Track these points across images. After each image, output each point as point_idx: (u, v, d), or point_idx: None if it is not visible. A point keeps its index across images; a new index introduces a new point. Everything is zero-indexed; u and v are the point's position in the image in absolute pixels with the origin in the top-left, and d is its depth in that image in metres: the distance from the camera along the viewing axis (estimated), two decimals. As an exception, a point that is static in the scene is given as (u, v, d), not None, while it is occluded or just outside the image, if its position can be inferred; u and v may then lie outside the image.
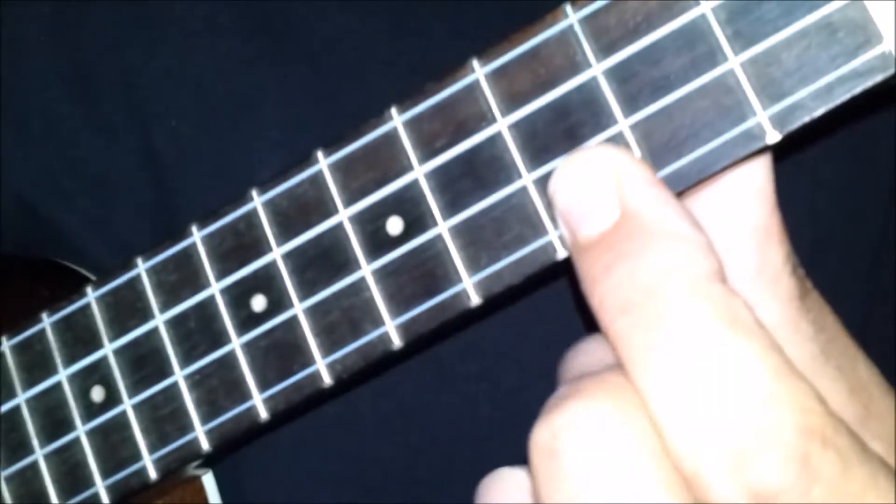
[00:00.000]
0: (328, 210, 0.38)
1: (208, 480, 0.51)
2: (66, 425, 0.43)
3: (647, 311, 0.29)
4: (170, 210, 0.54)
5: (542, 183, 0.36)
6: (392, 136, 0.38)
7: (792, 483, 0.27)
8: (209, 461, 0.51)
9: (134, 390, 0.42)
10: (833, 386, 0.36)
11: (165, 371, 0.41)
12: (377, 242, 0.38)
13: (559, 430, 0.28)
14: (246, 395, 0.40)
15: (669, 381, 0.28)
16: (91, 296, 0.42)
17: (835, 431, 0.28)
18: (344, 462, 0.52)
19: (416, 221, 0.37)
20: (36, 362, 0.43)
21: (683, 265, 0.29)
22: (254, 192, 0.40)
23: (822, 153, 0.50)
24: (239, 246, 0.40)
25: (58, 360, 0.43)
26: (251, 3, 0.54)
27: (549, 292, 0.50)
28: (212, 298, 0.40)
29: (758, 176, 0.34)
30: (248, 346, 0.40)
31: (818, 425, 0.28)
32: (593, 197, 0.31)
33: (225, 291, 0.40)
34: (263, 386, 0.39)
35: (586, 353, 0.32)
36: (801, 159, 0.50)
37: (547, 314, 0.50)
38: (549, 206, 0.35)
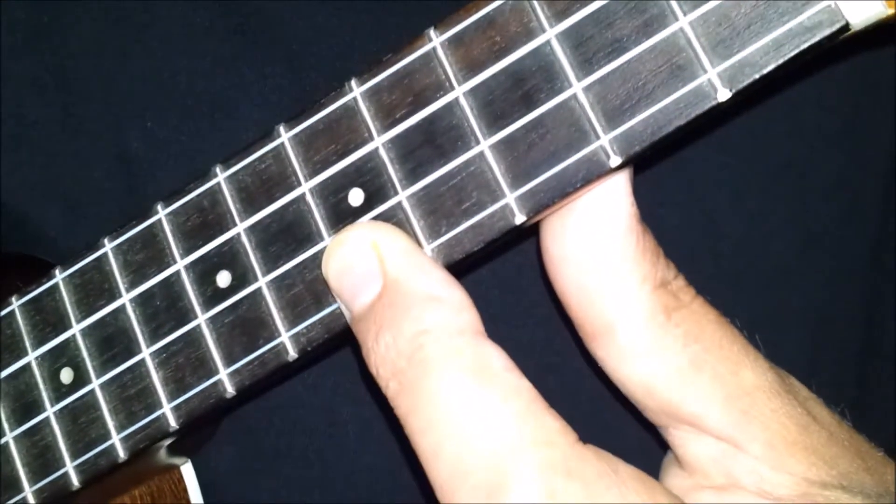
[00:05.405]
0: (290, 184, 0.39)
1: (188, 471, 0.51)
2: (36, 407, 0.43)
3: (408, 375, 0.34)
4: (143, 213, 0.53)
5: (500, 149, 0.36)
6: (352, 108, 0.38)
7: None
8: (189, 452, 0.51)
9: (102, 370, 0.42)
10: (703, 395, 0.36)
11: (133, 350, 0.41)
12: (339, 214, 0.38)
13: None
14: (212, 371, 0.40)
15: (430, 436, 0.34)
16: (59, 277, 0.42)
17: (579, 461, 0.33)
18: (326, 468, 0.51)
19: (377, 192, 0.37)
20: (6, 346, 0.43)
21: (436, 325, 0.34)
22: (217, 168, 0.40)
23: (814, 153, 0.50)
24: (203, 222, 0.40)
25: (27, 342, 0.43)
26: (229, 4, 0.53)
27: (519, 284, 0.50)
28: (177, 275, 0.40)
29: (614, 207, 0.36)
30: (213, 322, 0.40)
31: (561, 459, 0.33)
32: (358, 272, 0.36)
33: (190, 268, 0.40)
34: (229, 361, 0.39)
35: None
36: (791, 160, 0.50)
37: (523, 312, 0.50)
38: (499, 177, 0.36)
